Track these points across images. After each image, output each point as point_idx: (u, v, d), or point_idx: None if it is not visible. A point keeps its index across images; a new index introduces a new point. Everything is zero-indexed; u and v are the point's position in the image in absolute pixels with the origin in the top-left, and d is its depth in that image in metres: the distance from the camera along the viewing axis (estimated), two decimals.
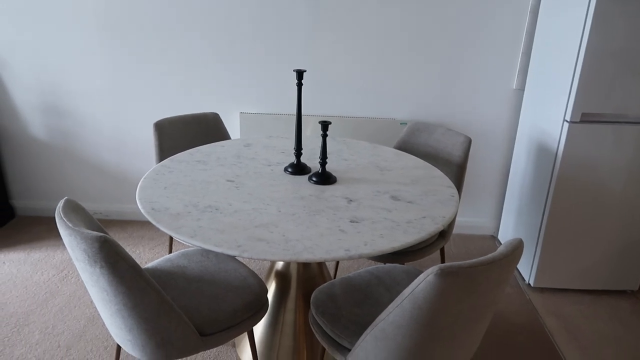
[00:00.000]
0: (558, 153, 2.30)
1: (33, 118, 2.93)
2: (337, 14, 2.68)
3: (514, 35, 2.69)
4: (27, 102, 2.89)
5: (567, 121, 2.24)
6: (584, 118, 2.22)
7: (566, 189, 2.33)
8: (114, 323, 1.36)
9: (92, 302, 2.32)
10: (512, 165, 2.87)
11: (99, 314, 2.24)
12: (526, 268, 2.60)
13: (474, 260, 1.12)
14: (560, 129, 2.29)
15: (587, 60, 2.12)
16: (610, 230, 2.40)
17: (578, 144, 2.25)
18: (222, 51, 2.77)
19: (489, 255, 1.15)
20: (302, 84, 1.77)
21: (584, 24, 2.11)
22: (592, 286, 2.53)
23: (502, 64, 2.75)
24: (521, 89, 2.78)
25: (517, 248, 1.19)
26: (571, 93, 2.21)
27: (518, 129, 2.80)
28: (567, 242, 2.43)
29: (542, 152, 2.47)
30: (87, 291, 2.40)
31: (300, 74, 1.75)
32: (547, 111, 2.43)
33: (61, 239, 2.89)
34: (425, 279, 1.11)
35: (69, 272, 2.56)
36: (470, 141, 2.13)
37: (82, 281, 2.47)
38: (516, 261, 1.22)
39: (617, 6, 2.04)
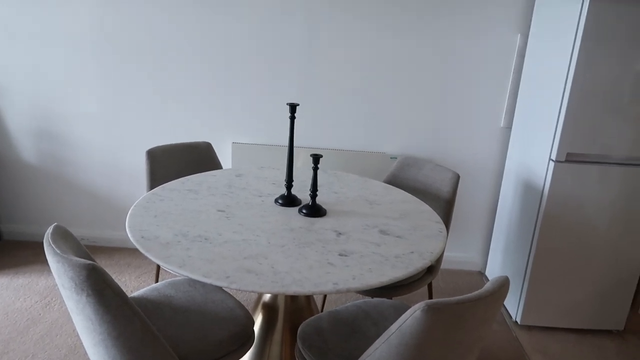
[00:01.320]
0: (544, 191, 2.35)
1: (25, 142, 2.93)
2: (330, 49, 2.74)
3: (502, 75, 2.77)
4: (19, 125, 2.90)
5: (552, 160, 2.29)
6: (569, 158, 2.27)
7: (552, 227, 2.36)
8: (97, 353, 1.34)
9: (74, 330, 2.28)
10: (499, 202, 2.91)
11: (81, 344, 2.19)
12: (513, 305, 2.60)
13: (460, 297, 1.13)
14: (546, 167, 2.34)
15: (572, 101, 2.19)
16: (596, 269, 2.42)
17: (564, 183, 2.30)
18: (216, 81, 2.82)
19: (476, 292, 1.16)
20: (294, 117, 1.80)
21: (569, 65, 2.18)
22: (579, 325, 2.53)
23: (490, 103, 2.82)
24: (508, 127, 2.85)
25: (503, 285, 1.21)
26: (556, 133, 2.26)
27: (505, 166, 2.85)
28: (553, 280, 2.45)
29: (528, 190, 2.51)
30: (69, 319, 2.36)
31: (293, 107, 1.78)
32: (534, 150, 2.48)
33: (47, 264, 2.85)
34: (412, 315, 1.12)
35: (52, 298, 2.52)
36: (458, 177, 2.16)
37: (65, 309, 2.43)
38: (502, 298, 1.23)
39: (601, 49, 2.12)
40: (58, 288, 2.59)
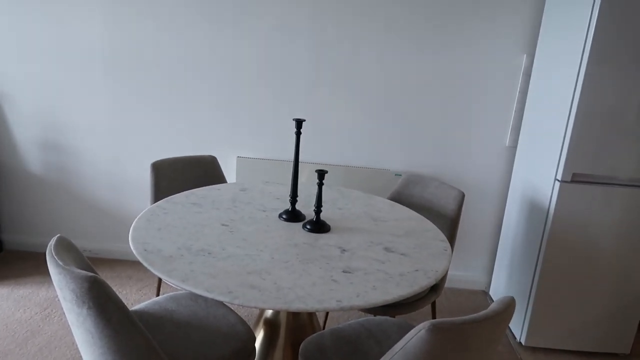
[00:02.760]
0: (550, 211, 2.33)
1: (30, 152, 2.94)
2: (336, 66, 2.76)
3: (507, 95, 2.77)
4: (25, 135, 2.91)
5: (558, 180, 2.28)
6: (574, 178, 2.26)
7: (558, 247, 2.34)
8: None
9: (74, 343, 2.26)
10: (504, 221, 2.89)
11: (80, 357, 2.17)
12: (517, 326, 2.57)
13: (466, 317, 1.11)
14: (551, 187, 2.33)
15: (578, 121, 2.19)
16: (602, 291, 2.39)
17: (569, 203, 2.28)
18: (222, 95, 2.83)
19: (482, 313, 1.14)
20: (300, 133, 1.80)
21: (575, 85, 2.19)
22: (584, 347, 2.50)
23: (495, 122, 2.82)
24: (514, 146, 2.84)
25: (509, 306, 1.19)
26: (562, 153, 2.26)
27: (510, 185, 2.84)
28: (559, 301, 2.42)
29: (533, 210, 2.50)
30: (69, 332, 2.34)
31: (299, 123, 1.78)
32: (539, 169, 2.47)
33: (48, 275, 2.84)
34: (416, 334, 1.10)
35: (52, 310, 2.50)
36: (463, 195, 2.16)
37: (65, 321, 2.41)
38: (508, 319, 1.22)
39: (607, 68, 2.12)
40: (58, 300, 2.57)
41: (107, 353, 1.25)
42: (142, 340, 1.26)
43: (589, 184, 2.26)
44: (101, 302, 1.17)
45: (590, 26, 2.10)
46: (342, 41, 2.72)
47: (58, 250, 1.29)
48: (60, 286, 1.21)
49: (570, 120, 2.22)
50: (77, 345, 2.04)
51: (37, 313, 2.47)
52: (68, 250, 1.37)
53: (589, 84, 2.14)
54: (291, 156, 2.93)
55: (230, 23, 2.71)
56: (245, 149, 2.92)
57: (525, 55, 2.71)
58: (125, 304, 2.55)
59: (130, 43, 2.76)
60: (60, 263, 1.20)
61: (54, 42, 2.75)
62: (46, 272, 2.87)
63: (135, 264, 3.07)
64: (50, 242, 1.31)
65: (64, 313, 2.37)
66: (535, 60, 2.64)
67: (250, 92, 2.82)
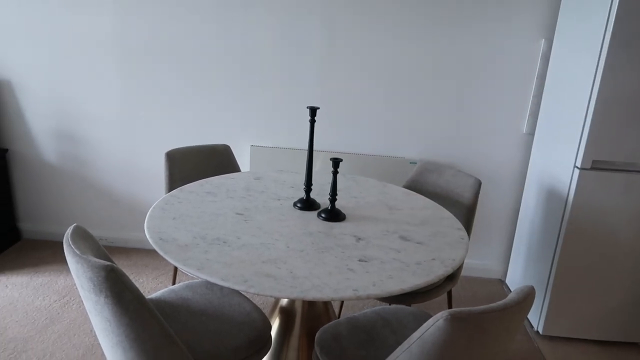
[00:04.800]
0: (568, 199, 2.29)
1: (46, 143, 2.97)
2: (350, 53, 2.73)
3: (525, 81, 2.72)
4: (40, 126, 2.94)
5: (577, 167, 2.23)
6: (594, 165, 2.21)
7: (577, 235, 2.30)
8: (114, 355, 1.34)
9: (92, 330, 2.29)
10: (521, 209, 2.85)
11: (98, 344, 2.20)
12: (535, 315, 2.55)
13: (485, 306, 1.09)
14: (570, 175, 2.29)
15: (599, 107, 2.14)
16: (622, 280, 2.36)
17: (589, 190, 2.24)
18: (235, 84, 2.82)
19: (500, 302, 1.12)
20: (315, 121, 1.78)
21: (596, 70, 2.13)
22: (603, 337, 2.46)
23: (512, 108, 2.77)
24: (531, 133, 2.79)
25: (528, 295, 1.17)
26: (582, 140, 2.21)
27: (528, 173, 2.80)
28: (577, 290, 2.38)
29: (552, 198, 2.46)
30: (87, 319, 2.37)
31: (314, 110, 1.76)
32: (558, 157, 2.43)
33: (66, 264, 2.87)
34: (434, 324, 1.09)
35: (70, 298, 2.53)
36: (480, 183, 2.12)
37: (83, 308, 2.45)
38: (527, 309, 1.20)
39: (629, 52, 2.06)
40: (76, 287, 2.61)
41: (125, 341, 1.26)
42: (158, 328, 1.27)
43: (609, 171, 2.22)
44: (118, 290, 1.17)
45: (612, 9, 2.04)
46: (356, 27, 2.68)
47: (75, 239, 1.30)
48: (78, 274, 1.22)
49: (590, 106, 2.16)
50: (95, 333, 2.06)
51: (55, 301, 2.50)
52: (85, 239, 1.37)
53: (610, 69, 2.08)
54: (305, 145, 2.91)
55: (241, 10, 2.69)
56: (259, 137, 2.91)
57: (543, 40, 2.65)
58: (142, 292, 2.58)
59: (143, 32, 2.75)
60: (77, 252, 1.21)
61: (68, 31, 2.76)
62: (64, 261, 2.91)
63: (151, 253, 3.10)
64: (67, 231, 1.32)
65: (82, 301, 2.40)
66: (553, 45, 2.58)
67: (263, 80, 2.80)
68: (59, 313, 2.41)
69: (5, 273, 2.73)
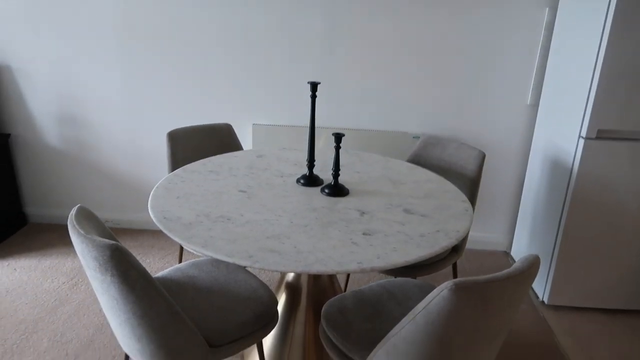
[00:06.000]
0: (573, 169, 2.27)
1: (48, 127, 2.96)
2: (351, 27, 2.69)
3: (528, 51, 2.68)
4: (43, 110, 2.93)
5: (582, 137, 2.21)
6: (600, 135, 2.19)
7: (582, 205, 2.29)
8: (123, 332, 1.35)
9: (100, 310, 2.32)
10: (525, 181, 2.84)
11: (107, 323, 2.23)
12: (540, 285, 2.55)
13: (489, 275, 1.09)
14: (575, 145, 2.27)
15: (604, 76, 2.10)
16: (628, 248, 2.35)
17: (594, 160, 2.22)
18: (236, 62, 2.79)
19: (505, 271, 1.12)
20: (316, 96, 1.77)
21: (600, 39, 2.09)
22: (609, 305, 2.47)
23: (516, 79, 2.73)
24: (535, 104, 2.76)
25: (533, 264, 1.17)
26: (587, 109, 2.18)
27: (532, 144, 2.78)
28: (582, 260, 2.39)
29: (556, 168, 2.44)
30: (96, 299, 2.40)
31: (314, 85, 1.75)
32: (562, 127, 2.40)
33: (72, 246, 2.90)
34: (439, 294, 1.09)
35: (78, 279, 2.56)
36: (484, 156, 2.11)
37: (91, 289, 2.47)
38: (532, 278, 1.20)
39: (634, 21, 2.02)
40: (84, 269, 2.63)
41: (132, 318, 1.27)
42: (165, 305, 1.28)
43: (614, 140, 2.19)
44: (123, 269, 1.18)
45: None
46: (357, 2, 2.64)
47: (79, 220, 1.30)
48: (83, 254, 1.23)
49: (595, 76, 2.13)
50: (104, 312, 2.09)
51: (64, 282, 2.53)
52: (89, 219, 1.38)
53: (615, 38, 2.04)
54: (307, 122, 2.89)
55: None
56: (261, 116, 2.89)
57: (547, 9, 2.60)
58: (149, 271, 2.60)
59: (143, 14, 2.71)
60: (82, 232, 1.21)
61: (68, 15, 2.73)
62: (71, 244, 2.93)
63: (156, 233, 3.11)
64: (71, 212, 1.32)
65: (90, 281, 2.43)
66: (557, 14, 2.53)
67: (264, 58, 2.77)
68: (67, 294, 2.43)
69: (14, 257, 2.76)
